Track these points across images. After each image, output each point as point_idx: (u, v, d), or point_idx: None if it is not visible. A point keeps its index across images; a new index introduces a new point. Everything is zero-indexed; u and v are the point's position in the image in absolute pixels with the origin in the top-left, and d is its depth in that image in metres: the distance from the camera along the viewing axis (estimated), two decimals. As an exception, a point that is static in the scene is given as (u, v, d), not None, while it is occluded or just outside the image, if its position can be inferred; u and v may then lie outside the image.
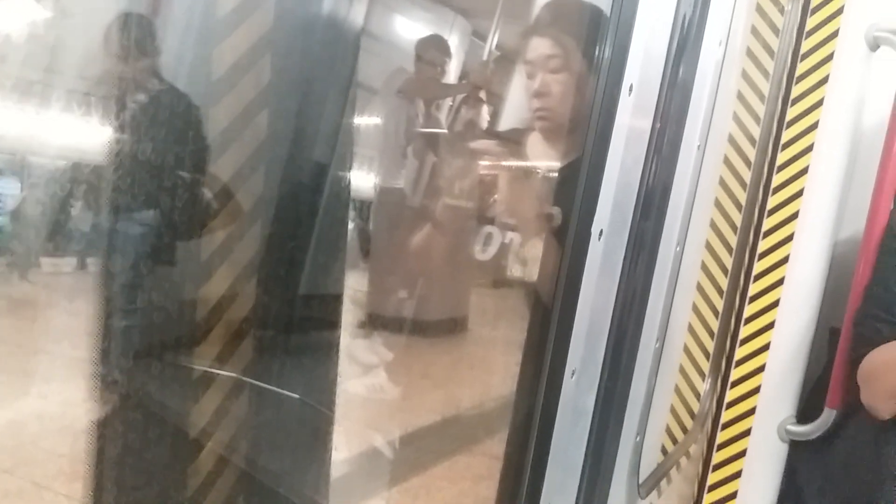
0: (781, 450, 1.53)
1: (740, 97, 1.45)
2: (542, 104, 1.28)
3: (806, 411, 1.52)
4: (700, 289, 1.50)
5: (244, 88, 1.38)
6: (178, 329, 1.38)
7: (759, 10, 1.45)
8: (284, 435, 1.52)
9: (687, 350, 1.51)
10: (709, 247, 1.49)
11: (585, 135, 0.86)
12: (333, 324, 1.55)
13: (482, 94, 2.22)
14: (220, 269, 1.41)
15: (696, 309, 1.50)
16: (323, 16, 1.49)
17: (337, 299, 1.56)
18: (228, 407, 1.44)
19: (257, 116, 1.41)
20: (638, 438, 1.13)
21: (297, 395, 1.48)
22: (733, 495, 1.55)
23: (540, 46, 1.27)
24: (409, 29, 2.36)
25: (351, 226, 1.74)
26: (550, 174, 1.30)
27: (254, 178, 1.43)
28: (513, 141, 1.38)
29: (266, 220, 1.47)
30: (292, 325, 1.52)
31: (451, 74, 2.37)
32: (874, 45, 1.44)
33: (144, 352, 1.32)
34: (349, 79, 1.51)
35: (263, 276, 1.47)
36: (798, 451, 1.53)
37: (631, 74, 0.86)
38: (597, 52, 0.90)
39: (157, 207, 1.30)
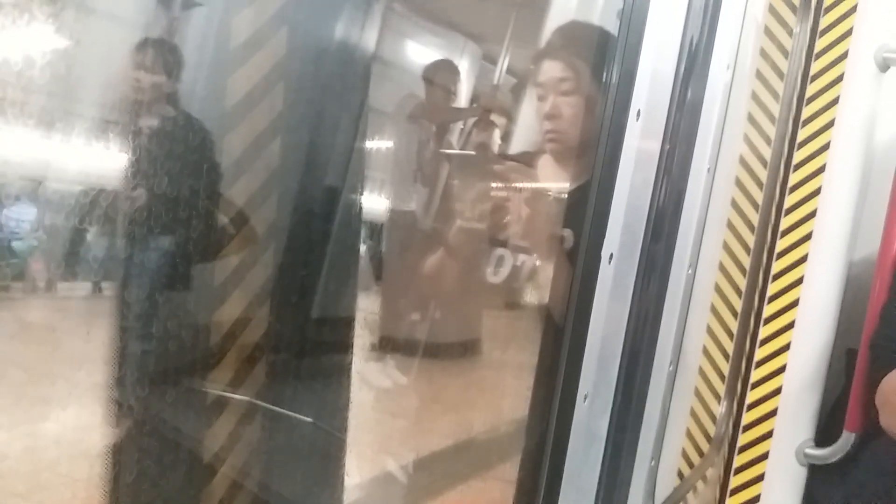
0: (800, 473, 1.51)
1: (751, 119, 1.45)
2: (554, 126, 1.28)
3: (824, 434, 1.50)
4: (714, 311, 1.49)
5: (258, 116, 1.40)
6: (192, 354, 1.39)
7: (768, 32, 1.45)
8: (297, 459, 1.52)
9: (702, 372, 1.49)
10: (722, 268, 1.48)
11: (594, 160, 0.86)
12: (345, 348, 1.56)
13: (493, 118, 2.24)
14: (234, 294, 1.43)
15: (710, 331, 1.49)
16: (335, 44, 1.51)
17: (349, 323, 1.57)
18: (242, 431, 1.44)
19: (271, 143, 1.43)
20: (653, 463, 1.12)
21: (309, 419, 1.48)
22: (752, 520, 1.53)
23: (551, 69, 1.28)
24: (421, 54, 2.39)
25: (363, 249, 1.74)
26: (562, 196, 1.31)
27: (267, 204, 1.45)
28: (524, 163, 1.38)
29: (279, 246, 1.48)
30: (304, 350, 1.53)
31: (463, 98, 2.39)
32: (884, 66, 1.44)
33: (159, 376, 1.32)
34: (361, 105, 1.53)
35: (276, 300, 1.48)
36: (817, 475, 1.50)
37: (638, 99, 0.86)
38: (604, 77, 0.90)
39: (172, 233, 1.31)
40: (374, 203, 1.95)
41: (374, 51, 1.57)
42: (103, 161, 1.31)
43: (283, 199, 1.46)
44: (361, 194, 1.57)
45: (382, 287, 2.00)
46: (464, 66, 2.48)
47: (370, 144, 1.66)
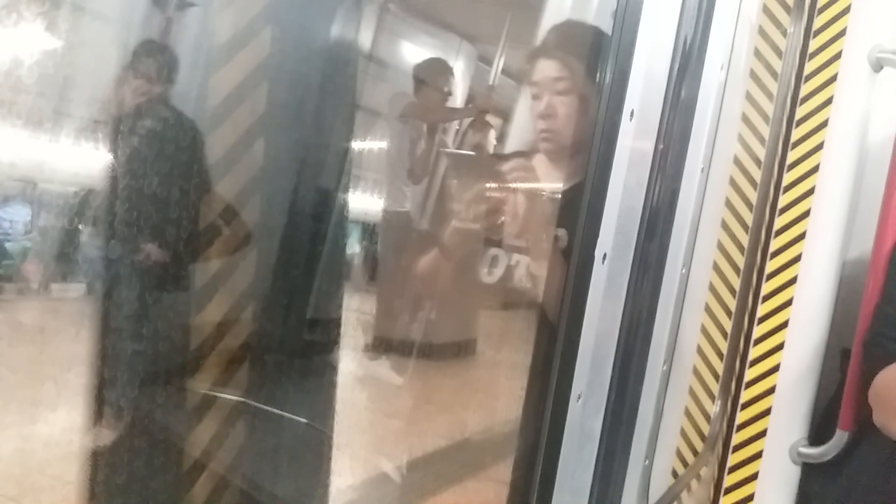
0: (794, 472, 1.51)
1: (745, 119, 1.45)
2: (548, 126, 1.28)
3: (818, 433, 1.50)
4: (708, 310, 1.49)
5: (241, 116, 1.39)
6: (180, 354, 1.38)
7: (762, 32, 1.45)
8: (284, 458, 1.51)
9: (696, 372, 1.49)
10: (716, 268, 1.49)
11: (587, 160, 0.86)
12: (335, 348, 1.55)
13: (487, 117, 2.23)
14: (219, 295, 1.42)
15: (704, 330, 1.49)
16: (321, 42, 1.50)
17: (338, 324, 1.56)
18: (230, 431, 1.44)
19: (254, 144, 1.42)
20: (647, 462, 1.12)
21: (302, 420, 1.47)
22: (745, 519, 1.53)
23: (547, 69, 1.28)
24: (414, 54, 2.38)
25: (357, 249, 1.74)
26: (555, 196, 1.31)
27: (250, 205, 1.44)
28: (517, 163, 1.38)
29: (263, 247, 1.47)
30: (293, 351, 1.52)
31: (457, 98, 2.39)
32: (877, 66, 1.44)
33: (149, 377, 1.32)
34: (349, 104, 1.53)
35: (263, 302, 1.47)
36: (811, 474, 1.51)
37: (632, 99, 0.86)
38: (598, 77, 0.90)
39: (158, 234, 1.30)
40: (364, 203, 1.94)
41: (364, 50, 1.56)
42: (89, 161, 1.30)
43: (267, 201, 1.45)
44: (348, 195, 1.56)
45: (376, 287, 1.99)
46: (459, 66, 2.48)
47: (358, 145, 1.65)
